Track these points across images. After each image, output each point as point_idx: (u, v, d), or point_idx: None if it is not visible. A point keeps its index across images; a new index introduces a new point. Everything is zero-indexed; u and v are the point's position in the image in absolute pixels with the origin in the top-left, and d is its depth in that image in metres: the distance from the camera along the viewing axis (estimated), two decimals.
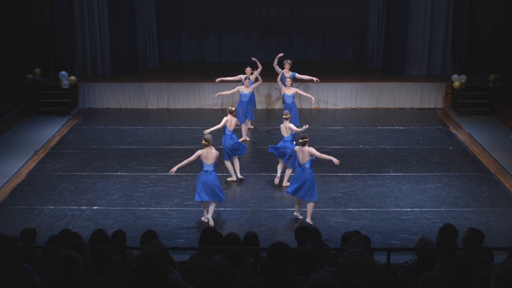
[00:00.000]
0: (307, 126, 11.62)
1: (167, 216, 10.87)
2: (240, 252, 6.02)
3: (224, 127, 11.99)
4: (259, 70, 15.37)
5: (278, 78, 14.94)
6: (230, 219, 10.83)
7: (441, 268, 5.02)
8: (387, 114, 17.40)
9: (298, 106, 17.83)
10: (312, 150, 10.20)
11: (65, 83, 16.89)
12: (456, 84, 17.12)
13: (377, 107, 18.00)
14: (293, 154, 10.90)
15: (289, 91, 14.35)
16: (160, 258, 4.37)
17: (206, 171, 10.19)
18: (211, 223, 10.28)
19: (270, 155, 13.93)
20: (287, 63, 15.35)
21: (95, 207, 11.23)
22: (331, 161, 10.26)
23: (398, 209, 10.95)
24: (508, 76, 17.79)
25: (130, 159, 13.62)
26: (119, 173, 12.86)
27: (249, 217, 10.89)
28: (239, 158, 12.50)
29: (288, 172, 11.95)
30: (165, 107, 18.04)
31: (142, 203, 11.38)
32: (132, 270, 4.79)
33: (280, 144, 12.04)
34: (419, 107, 17.96)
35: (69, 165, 13.38)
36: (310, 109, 17.69)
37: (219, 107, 17.42)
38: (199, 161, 10.28)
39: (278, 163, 13.08)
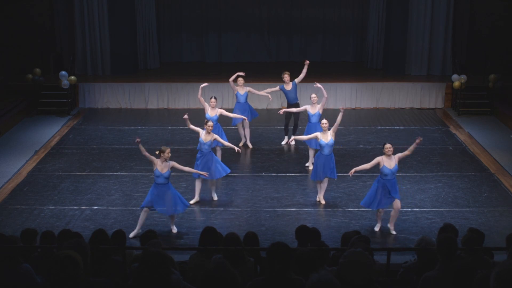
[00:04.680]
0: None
1: (167, 216, 10.85)
2: (240, 252, 6.02)
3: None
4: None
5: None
6: (230, 219, 10.83)
7: (441, 268, 5.01)
8: (387, 114, 17.40)
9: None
10: (398, 155, 10.09)
11: (65, 83, 16.89)
12: (456, 84, 17.12)
13: (377, 107, 18.00)
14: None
15: (314, 109, 12.87)
16: (162, 258, 4.38)
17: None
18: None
19: (270, 155, 13.95)
20: (286, 74, 13.92)
21: (95, 207, 11.23)
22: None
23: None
24: (508, 76, 17.79)
25: (130, 159, 13.62)
26: (119, 173, 12.86)
27: (249, 217, 10.89)
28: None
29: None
30: (165, 107, 18.05)
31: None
32: (134, 270, 4.79)
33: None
34: (419, 107, 17.96)
35: (69, 165, 13.38)
36: None
37: (219, 106, 17.37)
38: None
39: (279, 164, 13.12)
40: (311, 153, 12.85)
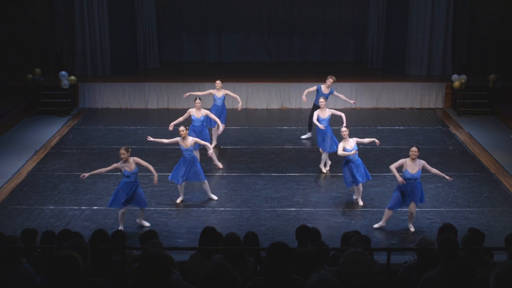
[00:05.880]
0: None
1: (167, 216, 10.86)
2: (240, 252, 6.02)
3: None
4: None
5: (315, 118, 12.71)
6: (230, 219, 10.83)
7: (442, 268, 5.01)
8: (387, 114, 17.40)
9: (298, 106, 17.86)
10: (425, 164, 10.14)
11: (65, 83, 16.89)
12: (456, 84, 17.12)
13: (377, 107, 18.00)
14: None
15: (324, 113, 12.68)
16: (162, 258, 4.38)
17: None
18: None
19: (270, 155, 13.95)
20: (331, 79, 13.82)
21: (95, 207, 11.23)
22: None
23: (398, 209, 10.92)
24: (508, 76, 17.79)
25: None
26: (119, 173, 12.80)
27: (249, 217, 10.89)
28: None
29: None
30: (165, 107, 18.05)
31: None
32: (134, 270, 4.79)
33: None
34: (419, 107, 17.96)
35: (69, 165, 13.38)
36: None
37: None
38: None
39: (279, 164, 13.12)
40: (324, 156, 12.83)
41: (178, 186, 11.34)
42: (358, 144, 11.08)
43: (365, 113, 17.58)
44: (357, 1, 20.95)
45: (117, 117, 17.25)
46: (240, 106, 14.48)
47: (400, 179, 10.00)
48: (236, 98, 14.29)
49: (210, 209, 11.21)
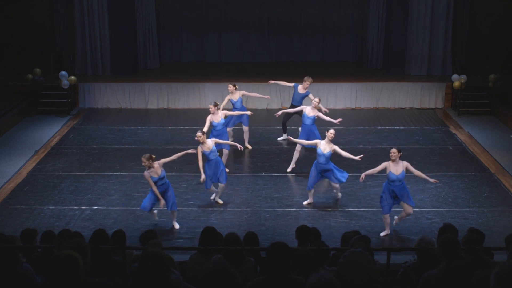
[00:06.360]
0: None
1: (167, 216, 10.85)
2: (240, 252, 6.02)
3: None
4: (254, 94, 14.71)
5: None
6: (230, 219, 10.83)
7: (442, 268, 5.01)
8: (387, 114, 17.40)
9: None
10: (408, 165, 9.96)
11: (65, 83, 16.89)
12: (456, 84, 17.13)
13: (377, 107, 18.01)
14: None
15: (311, 112, 12.81)
16: (162, 258, 4.38)
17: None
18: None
19: (270, 155, 13.94)
20: (308, 81, 14.00)
21: (95, 207, 11.23)
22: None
23: (398, 209, 10.92)
24: (508, 76, 17.79)
25: (130, 159, 13.61)
26: (119, 173, 12.86)
27: (249, 217, 10.89)
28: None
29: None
30: (165, 107, 18.05)
31: None
32: (134, 270, 4.79)
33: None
34: (419, 107, 17.96)
35: (69, 165, 13.39)
36: None
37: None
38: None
39: (279, 164, 13.11)
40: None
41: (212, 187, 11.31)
42: (335, 153, 10.86)
43: (365, 113, 17.59)
44: (357, 1, 20.96)
45: (117, 117, 17.26)
46: (266, 96, 14.63)
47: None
48: (256, 97, 14.72)
49: (210, 209, 11.21)
